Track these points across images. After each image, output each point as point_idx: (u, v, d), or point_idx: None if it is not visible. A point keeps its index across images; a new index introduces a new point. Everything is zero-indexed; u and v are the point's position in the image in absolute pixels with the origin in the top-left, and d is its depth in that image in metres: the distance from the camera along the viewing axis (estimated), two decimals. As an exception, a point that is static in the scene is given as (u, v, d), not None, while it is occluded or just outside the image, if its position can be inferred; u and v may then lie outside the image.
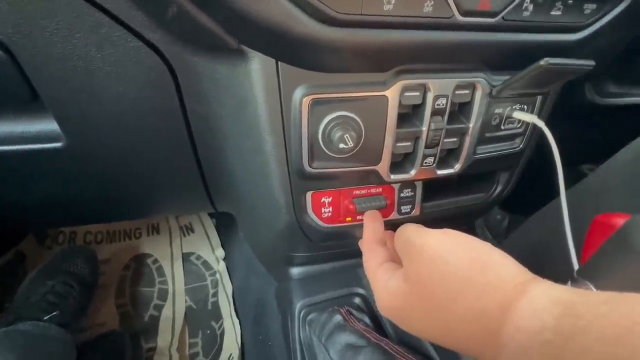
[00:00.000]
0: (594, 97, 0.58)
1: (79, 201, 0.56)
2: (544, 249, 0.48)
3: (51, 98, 0.37)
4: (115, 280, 0.94)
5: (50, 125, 0.41)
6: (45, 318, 0.64)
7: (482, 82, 0.39)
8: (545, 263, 0.40)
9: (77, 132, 0.41)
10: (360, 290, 0.53)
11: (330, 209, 0.45)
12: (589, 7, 0.35)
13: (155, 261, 0.99)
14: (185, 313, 0.92)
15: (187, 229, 1.07)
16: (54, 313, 0.67)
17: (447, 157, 0.45)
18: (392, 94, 0.37)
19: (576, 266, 0.34)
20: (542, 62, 0.34)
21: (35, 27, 0.32)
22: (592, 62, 0.36)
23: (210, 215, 1.09)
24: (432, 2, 0.30)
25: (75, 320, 0.73)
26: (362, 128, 0.37)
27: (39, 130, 0.41)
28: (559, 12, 0.34)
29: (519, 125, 0.45)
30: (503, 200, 0.57)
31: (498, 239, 0.98)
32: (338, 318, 0.45)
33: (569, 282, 0.30)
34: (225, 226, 1.06)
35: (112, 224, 1.01)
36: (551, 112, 0.47)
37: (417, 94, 0.38)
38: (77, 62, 0.35)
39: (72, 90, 0.37)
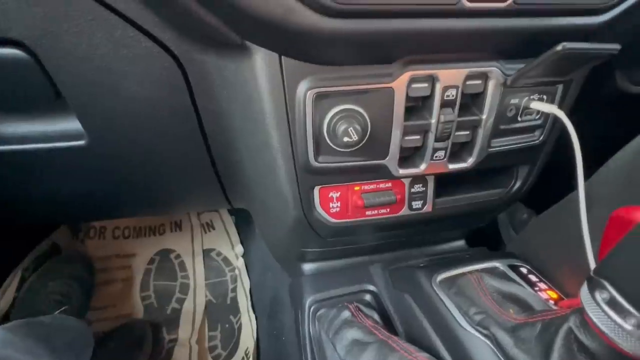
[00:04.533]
0: (626, 86, 0.54)
1: (102, 196, 0.59)
2: (560, 244, 0.45)
3: (73, 97, 0.40)
4: (140, 274, 0.98)
5: (73, 125, 0.44)
6: (58, 312, 0.69)
7: (494, 72, 0.37)
8: (562, 259, 0.38)
9: (98, 130, 0.44)
10: (371, 287, 0.53)
11: (339, 204, 0.45)
12: (614, -14, 0.33)
13: (178, 256, 1.03)
14: (206, 307, 0.95)
15: (208, 226, 1.10)
16: (64, 307, 0.71)
17: (460, 150, 0.43)
18: (398, 85, 0.36)
19: (593, 265, 0.32)
20: (558, 48, 0.32)
21: (57, 32, 0.34)
22: (617, 46, 0.33)
23: (230, 212, 1.12)
24: (437, -12, 0.29)
25: (80, 316, 0.78)
26: (368, 121, 0.36)
27: (63, 129, 0.44)
28: None
29: (537, 117, 0.43)
30: (525, 197, 0.54)
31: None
32: (346, 314, 0.45)
33: (585, 283, 0.28)
34: (244, 223, 1.08)
35: (138, 220, 1.06)
36: (577, 102, 0.44)
37: (425, 85, 0.37)
38: (97, 63, 0.37)
39: (92, 89, 0.39)
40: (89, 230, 1.01)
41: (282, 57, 0.33)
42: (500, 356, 0.33)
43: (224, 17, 0.30)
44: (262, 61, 0.34)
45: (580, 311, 0.28)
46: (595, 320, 0.26)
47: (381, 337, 0.39)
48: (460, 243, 0.64)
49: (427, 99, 0.39)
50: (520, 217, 1.00)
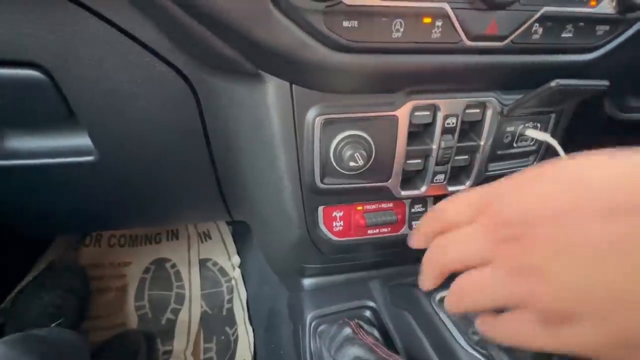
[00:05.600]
0: (615, 113, 0.57)
1: (106, 209, 0.59)
2: None
3: (86, 116, 0.41)
4: (135, 283, 0.97)
5: (84, 141, 0.45)
6: (53, 325, 0.68)
7: (492, 102, 0.40)
8: None
9: (108, 147, 0.45)
10: (371, 303, 0.54)
11: (342, 223, 0.46)
12: (601, 29, 0.35)
13: (174, 266, 1.02)
14: (201, 318, 0.94)
15: (205, 236, 1.10)
16: (60, 320, 0.71)
17: (459, 173, 0.45)
18: (402, 113, 0.38)
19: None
20: (552, 84, 0.34)
21: (74, 56, 0.35)
22: (605, 82, 0.35)
23: (227, 222, 1.12)
24: (440, 29, 0.31)
25: (74, 328, 0.77)
26: (373, 146, 0.38)
27: (74, 145, 0.45)
28: (569, 35, 0.35)
29: (532, 143, 0.45)
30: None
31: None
32: (347, 331, 0.46)
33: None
34: (242, 234, 1.08)
35: (134, 229, 1.05)
36: (568, 128, 0.47)
37: (427, 113, 0.39)
38: (110, 85, 0.38)
39: (104, 109, 0.40)
40: (85, 238, 1.00)
41: (293, 85, 0.35)
42: (498, 377, 0.35)
43: (242, 50, 0.32)
44: (273, 89, 0.35)
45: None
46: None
47: (383, 356, 0.40)
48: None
49: (428, 126, 0.40)
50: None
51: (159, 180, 0.52)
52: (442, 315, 0.44)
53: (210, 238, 1.10)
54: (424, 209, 0.48)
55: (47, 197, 0.53)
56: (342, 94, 0.36)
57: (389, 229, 0.48)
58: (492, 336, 0.26)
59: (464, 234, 0.26)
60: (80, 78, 0.37)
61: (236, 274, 1.02)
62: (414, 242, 0.31)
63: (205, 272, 1.03)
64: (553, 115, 0.44)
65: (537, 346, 0.23)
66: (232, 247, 1.08)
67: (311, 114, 0.36)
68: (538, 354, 0.33)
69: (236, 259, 1.05)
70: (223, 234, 1.11)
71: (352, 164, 0.37)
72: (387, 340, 0.49)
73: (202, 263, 1.04)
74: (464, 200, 0.27)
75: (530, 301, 0.22)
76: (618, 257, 0.18)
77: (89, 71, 0.37)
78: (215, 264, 1.05)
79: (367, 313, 0.53)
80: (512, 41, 0.33)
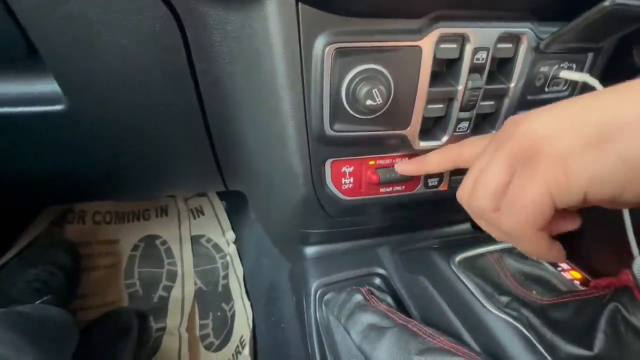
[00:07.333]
0: (642, 64, 0.52)
1: (85, 174, 0.53)
2: (597, 236, 0.43)
3: (49, 51, 0.34)
4: (124, 261, 0.93)
5: (51, 87, 0.38)
6: (39, 302, 0.64)
7: (528, 34, 0.34)
8: (598, 252, 0.36)
9: (78, 93, 0.38)
10: (381, 270, 0.50)
11: (352, 179, 0.41)
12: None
13: (164, 242, 0.98)
14: (196, 295, 0.90)
15: (197, 212, 1.05)
16: (46, 297, 0.66)
17: (483, 122, 0.40)
18: (426, 44, 0.32)
19: (634, 243, 0.30)
20: (606, 3, 0.29)
21: None
22: (662, 5, 0.30)
23: (220, 197, 1.07)
24: None
25: (63, 306, 0.73)
26: (392, 84, 0.33)
27: (39, 91, 0.38)
28: None
29: (564, 88, 0.40)
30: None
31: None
32: (358, 297, 0.42)
33: (637, 259, 0.26)
34: (236, 209, 1.04)
35: (120, 205, 0.99)
36: (602, 75, 0.42)
37: (454, 46, 0.33)
38: (74, 8, 0.31)
39: (71, 42, 0.33)
40: (67, 215, 0.93)
41: (299, 4, 0.29)
42: (534, 340, 0.31)
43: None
44: (275, 8, 0.29)
45: (629, 290, 0.26)
46: (651, 298, 0.23)
47: (399, 321, 0.36)
48: (466, 226, 0.62)
49: (454, 63, 0.35)
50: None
51: (141, 137, 0.46)
52: (463, 277, 0.40)
53: (203, 214, 1.06)
54: (442, 164, 0.43)
55: (15, 158, 0.46)
56: (357, 18, 0.30)
57: (404, 187, 0.43)
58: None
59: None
60: (38, 2, 0.30)
61: (231, 249, 0.98)
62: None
63: (198, 249, 0.99)
64: (591, 55, 0.39)
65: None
66: (226, 223, 1.03)
67: (320, 41, 0.30)
68: (580, 314, 0.30)
69: (231, 235, 1.01)
70: (216, 209, 1.06)
71: (369, 102, 0.31)
72: (400, 308, 0.45)
73: (195, 239, 1.00)
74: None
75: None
76: None
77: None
78: (209, 240, 1.01)
79: (377, 280, 0.49)
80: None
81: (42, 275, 0.73)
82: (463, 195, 0.29)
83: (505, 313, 0.34)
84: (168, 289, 0.90)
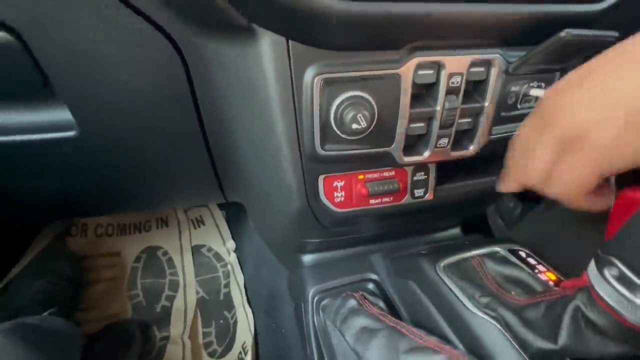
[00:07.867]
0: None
1: (90, 192, 0.56)
2: (555, 235, 0.47)
3: (62, 84, 0.37)
4: (126, 272, 0.95)
5: (63, 115, 0.41)
6: (46, 313, 0.65)
7: (498, 59, 0.38)
8: (557, 250, 0.40)
9: (89, 120, 0.41)
10: (373, 276, 0.53)
11: (343, 193, 0.44)
12: (612, -24, 0.34)
13: (165, 253, 1.00)
14: (198, 303, 0.93)
15: (198, 222, 1.07)
16: (52, 309, 0.68)
17: (462, 138, 0.44)
18: (405, 71, 0.36)
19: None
20: (563, 34, 0.33)
21: (44, 13, 0.31)
22: (614, 33, 0.34)
23: (220, 207, 1.10)
24: (448, -27, 0.29)
25: (67, 318, 0.75)
26: (375, 108, 0.36)
27: (52, 119, 0.41)
28: None
29: (535, 104, 0.44)
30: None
31: (510, 226, 0.97)
32: (352, 302, 0.45)
33: (592, 261, 0.29)
34: (235, 218, 1.06)
35: (121, 217, 1.02)
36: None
37: (431, 72, 0.37)
38: (85, 46, 0.34)
39: (81, 75, 0.37)
40: (71, 228, 0.96)
41: (290, 41, 0.32)
42: (509, 337, 0.35)
43: (233, -2, 0.29)
44: (268, 46, 0.33)
45: (587, 289, 0.29)
46: (604, 296, 0.27)
47: (390, 324, 0.39)
48: (456, 231, 0.65)
49: (432, 87, 0.39)
50: (507, 205, 1.03)
51: (147, 157, 0.49)
52: (447, 281, 0.43)
53: (203, 224, 1.08)
54: (426, 176, 0.47)
55: (27, 180, 0.49)
56: (342, 52, 0.34)
57: (391, 198, 0.46)
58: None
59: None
60: (52, 39, 0.33)
61: (232, 258, 1.01)
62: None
63: (199, 258, 1.01)
64: (557, 74, 0.42)
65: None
66: (226, 233, 1.06)
67: (309, 73, 0.34)
68: (549, 313, 0.33)
69: (231, 244, 1.03)
70: (217, 219, 1.09)
71: (355, 126, 0.35)
72: (392, 311, 0.48)
73: (196, 249, 1.03)
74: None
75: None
76: None
77: (62, 30, 0.33)
78: (210, 249, 1.03)
79: (370, 286, 0.53)
80: (521, -13, 0.31)
81: (48, 287, 0.75)
82: (513, 165, 0.35)
83: (485, 313, 0.37)
84: (171, 299, 0.93)
